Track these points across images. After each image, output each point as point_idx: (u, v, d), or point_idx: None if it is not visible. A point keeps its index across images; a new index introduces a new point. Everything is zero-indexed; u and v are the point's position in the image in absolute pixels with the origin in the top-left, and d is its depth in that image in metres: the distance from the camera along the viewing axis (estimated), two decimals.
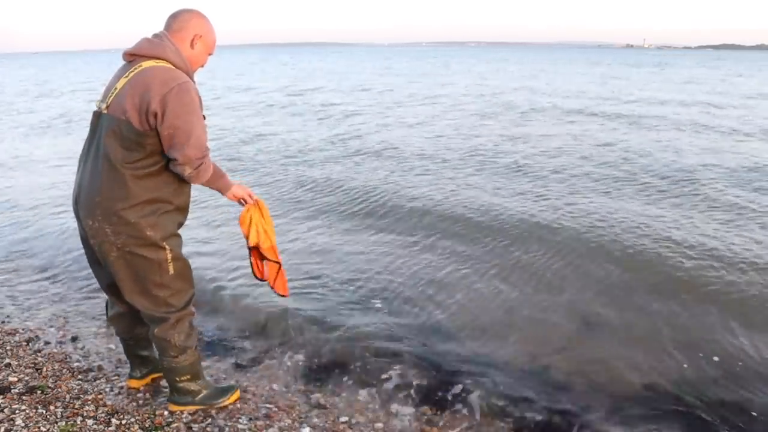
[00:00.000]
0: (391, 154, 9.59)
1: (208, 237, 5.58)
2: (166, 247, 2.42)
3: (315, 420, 2.86)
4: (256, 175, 8.33)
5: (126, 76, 2.31)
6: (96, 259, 2.52)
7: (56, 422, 2.66)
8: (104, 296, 2.77)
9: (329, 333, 3.72)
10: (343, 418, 2.89)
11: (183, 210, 2.51)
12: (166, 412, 2.77)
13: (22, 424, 2.62)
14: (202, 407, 2.80)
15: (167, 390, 2.85)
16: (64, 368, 3.24)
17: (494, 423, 2.88)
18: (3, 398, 2.84)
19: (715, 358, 3.45)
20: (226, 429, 2.70)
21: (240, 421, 2.77)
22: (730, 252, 4.95)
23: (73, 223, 2.63)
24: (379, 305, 4.14)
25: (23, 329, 3.79)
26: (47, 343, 3.60)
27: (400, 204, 6.57)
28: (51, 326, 3.87)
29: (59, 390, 2.97)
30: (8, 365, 3.23)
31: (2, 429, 2.59)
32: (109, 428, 2.64)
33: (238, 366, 3.37)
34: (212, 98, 19.32)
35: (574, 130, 12.12)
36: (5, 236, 5.86)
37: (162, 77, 2.26)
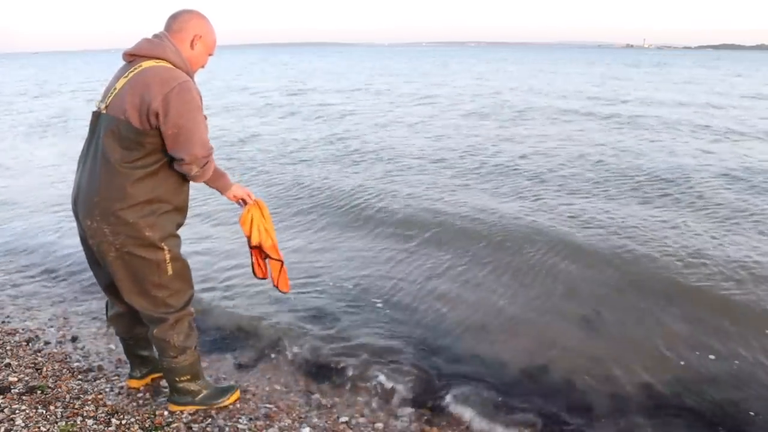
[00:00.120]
0: (389, 155, 9.59)
1: (208, 237, 5.58)
2: (165, 247, 2.42)
3: (315, 420, 2.86)
4: (253, 175, 8.34)
5: (126, 77, 2.31)
6: (95, 259, 2.52)
7: (56, 422, 2.66)
8: (104, 296, 2.77)
9: (329, 333, 3.72)
10: (343, 418, 2.89)
11: (182, 210, 2.51)
12: (166, 412, 2.78)
13: (22, 424, 2.63)
14: (202, 407, 2.80)
15: (167, 390, 2.86)
16: (64, 368, 3.24)
17: (494, 423, 2.88)
18: (3, 398, 2.84)
19: (711, 357, 3.47)
20: (226, 429, 2.70)
21: (240, 421, 2.77)
22: (725, 252, 4.96)
23: (72, 223, 2.63)
24: (379, 305, 4.15)
25: (23, 329, 3.80)
26: (47, 343, 3.60)
27: (399, 204, 6.57)
28: (51, 326, 3.87)
29: (59, 390, 2.97)
30: (8, 365, 3.23)
31: (2, 429, 2.59)
32: (109, 428, 2.65)
33: (238, 366, 3.37)
34: (211, 98, 19.32)
35: (570, 130, 12.12)
36: (5, 236, 5.86)
37: (162, 77, 2.26)
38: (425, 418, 2.92)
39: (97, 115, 2.36)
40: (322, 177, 7.96)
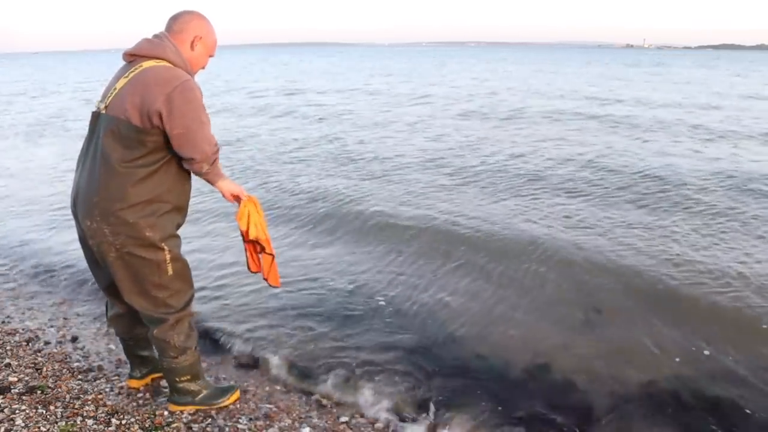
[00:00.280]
0: (387, 155, 9.58)
1: (205, 235, 5.58)
2: (165, 247, 2.42)
3: (315, 420, 2.86)
4: (251, 174, 8.34)
5: (126, 77, 2.31)
6: (95, 260, 2.52)
7: (56, 422, 2.66)
8: (104, 296, 2.78)
9: (329, 333, 3.72)
10: (343, 418, 2.89)
11: (182, 210, 2.51)
12: (166, 412, 2.78)
13: (22, 424, 2.63)
14: (202, 407, 2.80)
15: (167, 390, 2.86)
16: (64, 368, 3.24)
17: (494, 423, 2.88)
18: (3, 398, 2.84)
19: (706, 352, 3.50)
20: (226, 429, 2.70)
21: (240, 421, 2.78)
22: (720, 252, 4.98)
23: (71, 223, 2.63)
24: (379, 306, 4.15)
25: (23, 329, 3.80)
26: (47, 343, 3.60)
27: (398, 204, 6.58)
28: (51, 326, 3.87)
29: (59, 390, 2.97)
30: (8, 365, 3.23)
31: (2, 429, 2.59)
32: (109, 428, 2.65)
33: (237, 366, 3.38)
34: (211, 98, 19.32)
35: (567, 131, 12.10)
36: (4, 236, 5.86)
37: (164, 76, 2.26)
38: (425, 418, 2.92)
39: (96, 116, 2.36)
40: (318, 179, 7.96)
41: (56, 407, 2.79)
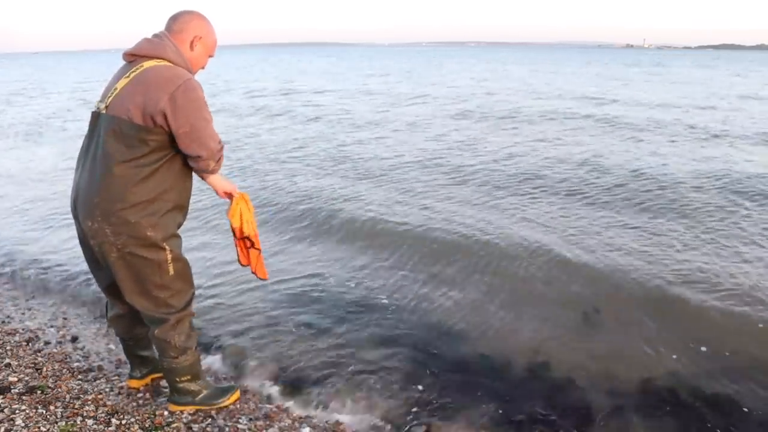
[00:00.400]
0: (385, 155, 9.58)
1: (207, 235, 5.58)
2: (167, 247, 2.42)
3: (315, 420, 2.87)
4: (249, 174, 8.33)
5: (127, 77, 2.31)
6: (95, 260, 2.52)
7: (56, 422, 2.66)
8: (104, 296, 2.78)
9: (329, 334, 3.72)
10: (343, 418, 2.90)
11: (183, 209, 2.51)
12: (166, 412, 2.78)
13: (22, 424, 2.63)
14: (202, 407, 2.80)
15: (167, 390, 2.86)
16: (64, 368, 3.24)
17: (494, 423, 2.88)
18: (3, 398, 2.84)
19: (703, 348, 3.52)
20: (226, 429, 2.70)
21: (240, 421, 2.78)
22: (716, 252, 5.00)
23: (71, 223, 2.63)
24: (378, 305, 4.15)
25: (23, 329, 3.80)
26: (47, 343, 3.61)
27: (394, 203, 6.58)
28: (51, 326, 3.87)
29: (59, 390, 2.97)
30: (8, 365, 3.23)
31: (2, 429, 2.59)
32: (109, 428, 2.65)
33: (237, 366, 3.38)
34: (210, 98, 19.28)
35: (565, 131, 12.09)
36: (4, 237, 5.85)
37: (165, 76, 2.26)
38: (425, 418, 2.92)
39: (96, 116, 2.35)
40: (315, 179, 7.95)
41: (56, 407, 2.80)
